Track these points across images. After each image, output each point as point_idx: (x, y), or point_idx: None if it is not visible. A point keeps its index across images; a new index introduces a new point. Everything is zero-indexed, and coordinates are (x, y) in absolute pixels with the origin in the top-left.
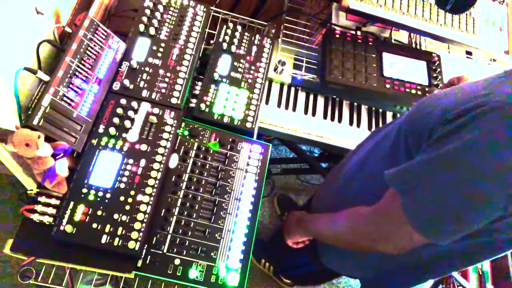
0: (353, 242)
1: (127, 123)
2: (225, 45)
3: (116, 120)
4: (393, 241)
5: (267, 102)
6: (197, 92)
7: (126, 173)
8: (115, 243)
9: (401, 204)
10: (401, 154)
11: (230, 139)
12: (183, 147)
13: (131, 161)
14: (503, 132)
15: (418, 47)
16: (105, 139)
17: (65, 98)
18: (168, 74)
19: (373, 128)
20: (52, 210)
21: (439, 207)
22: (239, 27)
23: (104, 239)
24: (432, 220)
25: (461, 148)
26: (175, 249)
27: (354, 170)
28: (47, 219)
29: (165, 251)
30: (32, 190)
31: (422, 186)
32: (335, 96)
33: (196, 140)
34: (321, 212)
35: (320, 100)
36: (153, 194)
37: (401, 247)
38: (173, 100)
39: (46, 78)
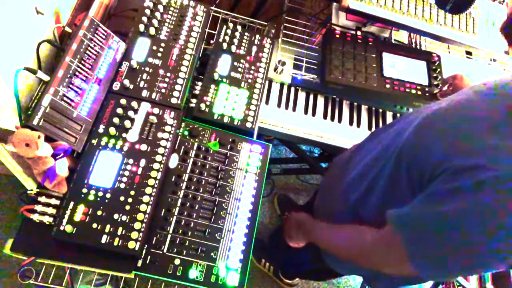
0: (352, 259)
1: (127, 123)
2: (225, 45)
3: (116, 120)
4: (391, 269)
5: (267, 102)
6: (197, 92)
7: (126, 173)
8: (115, 243)
9: (405, 249)
10: (403, 185)
11: (230, 139)
12: (183, 147)
13: (131, 161)
14: (506, 203)
15: (418, 47)
16: (105, 139)
17: (65, 98)
18: (168, 74)
19: (373, 128)
20: (52, 210)
21: (444, 260)
22: (239, 27)
23: (104, 239)
24: (436, 268)
25: (466, 212)
26: (175, 249)
27: (355, 180)
28: (47, 219)
29: (165, 251)
30: (32, 190)
31: (428, 239)
32: (335, 96)
33: (196, 140)
34: (324, 215)
35: (320, 100)
36: (153, 194)
37: (398, 274)
38: (173, 100)
39: (46, 78)
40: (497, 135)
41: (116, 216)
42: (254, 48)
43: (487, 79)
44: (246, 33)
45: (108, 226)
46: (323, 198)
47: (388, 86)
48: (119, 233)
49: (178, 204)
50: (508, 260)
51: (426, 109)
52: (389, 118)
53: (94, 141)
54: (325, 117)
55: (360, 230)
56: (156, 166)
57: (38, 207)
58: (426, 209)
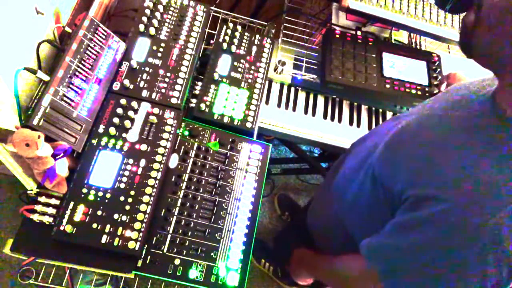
0: None
1: (127, 123)
2: (225, 45)
3: (116, 120)
4: None
5: (267, 102)
6: (197, 92)
7: (126, 173)
8: (115, 243)
9: (379, 281)
10: (382, 201)
11: (230, 139)
12: (183, 147)
13: (131, 161)
14: (458, 235)
15: (418, 47)
16: (105, 139)
17: (65, 98)
18: (168, 74)
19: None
20: (52, 210)
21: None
22: (239, 27)
23: (104, 239)
24: None
25: (425, 244)
26: (175, 249)
27: (337, 189)
28: (47, 219)
29: (165, 251)
30: (32, 190)
31: (395, 271)
32: (335, 96)
33: (196, 140)
34: (314, 221)
35: (320, 100)
36: (153, 194)
37: None
38: (173, 100)
39: (46, 78)
40: (451, 163)
41: (116, 216)
42: (254, 48)
43: (461, 84)
44: (246, 33)
45: (108, 226)
46: (316, 204)
47: (388, 86)
48: (119, 233)
49: (178, 204)
50: None
51: (400, 121)
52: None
53: (94, 141)
54: (325, 117)
55: (347, 263)
56: (156, 166)
57: (38, 207)
58: (390, 240)
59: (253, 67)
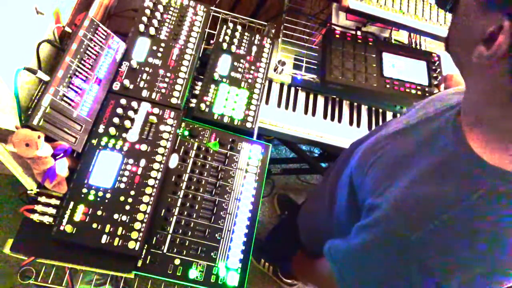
0: None
1: (127, 123)
2: (225, 45)
3: (116, 120)
4: None
5: (267, 102)
6: (197, 92)
7: (126, 173)
8: (115, 243)
9: (336, 282)
10: (353, 210)
11: (230, 139)
12: (183, 147)
13: (131, 161)
14: (387, 243)
15: (418, 47)
16: (105, 139)
17: (65, 98)
18: (168, 74)
19: (373, 128)
20: (52, 210)
21: None
22: (239, 27)
23: (104, 239)
24: None
25: (361, 248)
26: (175, 249)
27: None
28: (47, 219)
29: (165, 251)
30: (32, 190)
31: (345, 274)
32: (335, 96)
33: (196, 140)
34: (308, 215)
35: (320, 100)
36: (153, 194)
37: None
38: (173, 100)
39: (46, 78)
40: (403, 178)
41: (116, 216)
42: (254, 48)
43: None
44: (246, 33)
45: (108, 226)
46: (308, 203)
47: (388, 86)
48: (119, 233)
49: (178, 204)
50: None
51: (382, 128)
52: (389, 118)
53: (94, 141)
54: (325, 117)
55: (325, 265)
56: (156, 166)
57: (38, 207)
58: (344, 243)
59: (253, 67)
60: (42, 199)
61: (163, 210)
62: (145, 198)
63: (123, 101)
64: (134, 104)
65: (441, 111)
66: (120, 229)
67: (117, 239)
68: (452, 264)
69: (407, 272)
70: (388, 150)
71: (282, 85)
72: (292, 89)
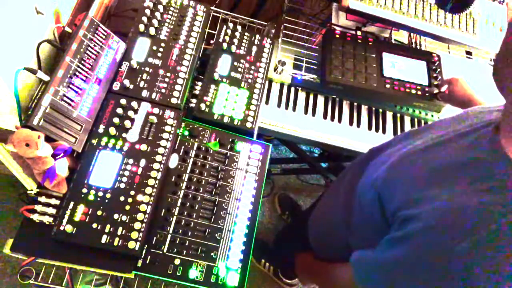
0: None
1: (127, 123)
2: (225, 45)
3: (116, 120)
4: None
5: (267, 102)
6: (197, 92)
7: (126, 173)
8: (115, 243)
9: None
10: (379, 222)
11: (230, 139)
12: (183, 147)
13: (131, 161)
14: (427, 255)
15: (418, 47)
16: (105, 139)
17: (65, 98)
18: (168, 74)
19: (373, 128)
20: (52, 210)
21: None
22: (239, 27)
23: (104, 239)
24: None
25: (395, 262)
26: (175, 249)
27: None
28: (47, 219)
29: (165, 251)
30: (32, 190)
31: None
32: (335, 96)
33: (196, 140)
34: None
35: (320, 100)
36: (153, 194)
37: None
38: (173, 100)
39: (46, 78)
40: (442, 191)
41: (116, 216)
42: (254, 48)
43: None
44: (246, 33)
45: (108, 226)
46: (322, 208)
47: (388, 86)
48: (119, 233)
49: (178, 204)
50: None
51: (409, 142)
52: (389, 118)
53: (94, 141)
54: (325, 117)
55: (341, 271)
56: (156, 166)
57: (38, 207)
58: (373, 255)
59: (253, 67)
60: (42, 199)
61: (163, 210)
62: (145, 198)
63: (123, 101)
64: (134, 104)
65: (477, 127)
66: (120, 229)
67: (117, 239)
68: (498, 275)
69: (447, 286)
70: (422, 163)
71: (282, 85)
72: (292, 89)
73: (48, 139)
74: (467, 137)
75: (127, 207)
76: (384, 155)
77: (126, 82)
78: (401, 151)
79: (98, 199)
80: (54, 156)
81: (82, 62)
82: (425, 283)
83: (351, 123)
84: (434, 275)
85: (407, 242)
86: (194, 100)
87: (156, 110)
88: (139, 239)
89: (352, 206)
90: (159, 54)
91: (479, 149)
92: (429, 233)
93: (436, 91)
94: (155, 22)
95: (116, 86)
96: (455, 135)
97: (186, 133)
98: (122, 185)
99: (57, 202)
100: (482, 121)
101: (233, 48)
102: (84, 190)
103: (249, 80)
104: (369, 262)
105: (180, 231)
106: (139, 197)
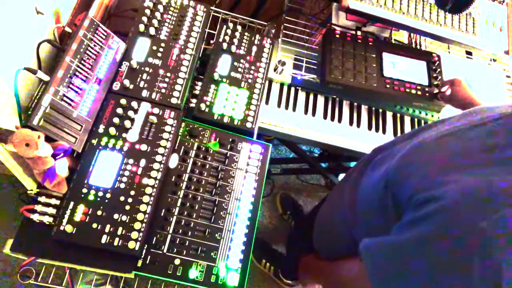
0: None
1: (127, 123)
2: (225, 45)
3: (116, 120)
4: None
5: (267, 102)
6: (197, 92)
7: (126, 173)
8: (115, 243)
9: (370, 280)
10: (388, 210)
11: (230, 139)
12: (183, 147)
13: (131, 161)
14: (447, 234)
15: (418, 47)
16: (105, 139)
17: (65, 98)
18: (168, 74)
19: (373, 128)
20: (52, 210)
21: None
22: (239, 27)
23: (104, 239)
24: None
25: (416, 241)
26: (175, 249)
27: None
28: (47, 219)
29: (165, 251)
30: (32, 190)
31: (383, 270)
32: (335, 96)
33: (196, 140)
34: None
35: (320, 100)
36: (153, 194)
37: None
38: (173, 100)
39: (46, 78)
40: (462, 175)
41: (116, 216)
42: (254, 48)
43: (489, 106)
44: (246, 33)
45: (108, 226)
46: (327, 207)
47: (388, 86)
48: (119, 233)
49: (178, 204)
50: None
51: (418, 136)
52: (389, 118)
53: (94, 141)
54: (325, 117)
55: (348, 265)
56: (156, 166)
57: (38, 207)
58: (386, 239)
59: (253, 67)
60: (42, 199)
61: (163, 210)
62: (145, 198)
63: (123, 101)
64: (134, 104)
65: (489, 120)
66: (120, 229)
67: (117, 239)
68: None
69: (467, 265)
70: (439, 149)
71: (282, 85)
72: (292, 89)
73: (48, 139)
74: (482, 126)
75: (127, 207)
76: (392, 150)
77: (126, 82)
78: (411, 144)
79: (98, 199)
80: (54, 156)
81: (82, 62)
82: (445, 258)
83: (351, 123)
84: (455, 251)
85: (430, 220)
86: (194, 100)
87: (156, 110)
88: (139, 239)
89: (357, 201)
90: (159, 54)
91: (499, 135)
92: (454, 209)
93: (436, 91)
94: (155, 22)
95: (116, 86)
96: (470, 125)
97: (186, 133)
98: (122, 185)
99: (57, 202)
100: (492, 114)
101: (233, 48)
102: (84, 190)
103: (249, 80)
104: (382, 247)
105: (180, 231)
106: (139, 197)
